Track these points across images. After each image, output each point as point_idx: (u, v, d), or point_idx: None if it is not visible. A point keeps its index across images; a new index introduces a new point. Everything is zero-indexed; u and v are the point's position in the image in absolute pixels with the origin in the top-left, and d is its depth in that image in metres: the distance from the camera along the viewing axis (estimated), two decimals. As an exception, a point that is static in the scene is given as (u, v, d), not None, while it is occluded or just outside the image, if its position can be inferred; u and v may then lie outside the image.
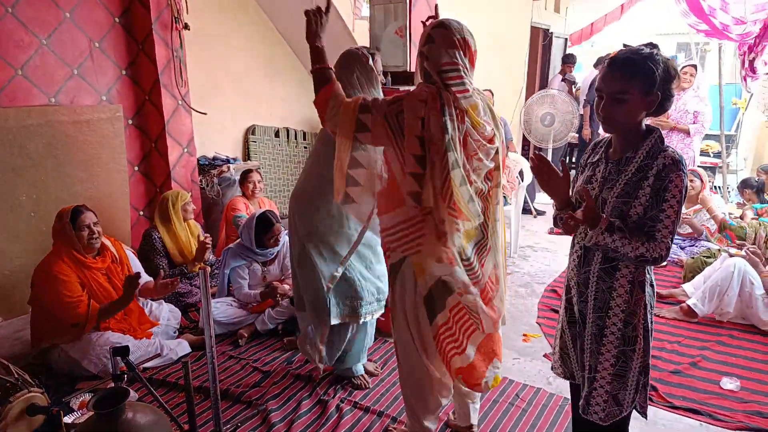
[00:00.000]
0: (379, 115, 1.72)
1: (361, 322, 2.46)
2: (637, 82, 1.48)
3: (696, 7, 4.35)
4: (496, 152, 1.85)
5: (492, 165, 1.84)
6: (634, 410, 1.67)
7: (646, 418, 1.69)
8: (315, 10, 1.84)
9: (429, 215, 1.77)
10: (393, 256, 1.90)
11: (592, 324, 1.64)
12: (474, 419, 2.25)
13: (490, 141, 1.83)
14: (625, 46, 1.56)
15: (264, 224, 3.20)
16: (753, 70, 4.75)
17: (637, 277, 1.57)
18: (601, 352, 1.62)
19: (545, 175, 1.65)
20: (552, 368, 1.92)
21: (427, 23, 1.83)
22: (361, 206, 2.00)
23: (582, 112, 6.67)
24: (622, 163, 1.56)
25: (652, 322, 1.63)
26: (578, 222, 1.55)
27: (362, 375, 2.68)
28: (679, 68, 1.55)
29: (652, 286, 1.62)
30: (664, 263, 1.55)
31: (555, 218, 1.75)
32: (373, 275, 2.47)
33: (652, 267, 1.62)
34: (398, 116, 1.72)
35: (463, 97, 1.75)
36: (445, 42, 1.72)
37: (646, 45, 1.53)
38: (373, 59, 2.24)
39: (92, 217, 2.75)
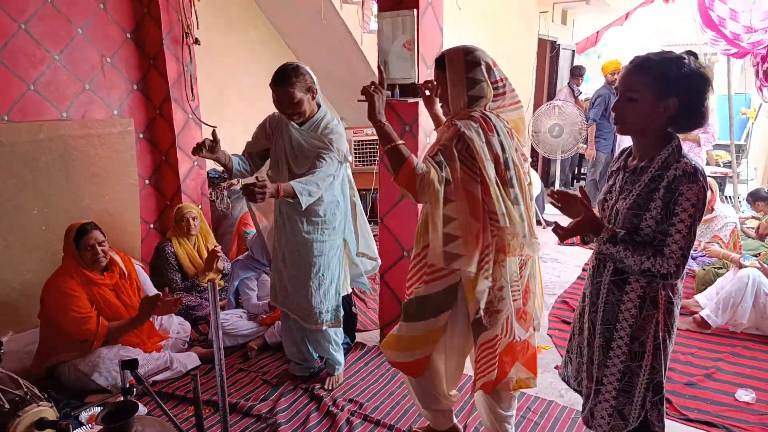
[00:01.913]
0: (452, 162, 1.75)
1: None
2: (648, 81, 1.43)
3: (707, 18, 4.34)
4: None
5: (528, 180, 1.92)
6: None
7: None
8: (372, 86, 1.86)
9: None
10: (450, 278, 1.87)
11: (599, 336, 1.62)
12: None
13: (524, 157, 1.91)
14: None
15: (81, 234, 3.18)
16: None
17: (649, 292, 1.52)
18: (607, 365, 1.60)
19: (571, 206, 1.63)
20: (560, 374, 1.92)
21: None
22: (466, 256, 1.85)
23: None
24: (637, 173, 1.52)
25: (666, 341, 1.55)
26: (568, 232, 1.53)
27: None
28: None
29: (670, 303, 1.53)
30: (676, 280, 1.48)
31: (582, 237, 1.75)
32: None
33: (678, 284, 1.55)
34: (467, 149, 1.75)
35: (514, 109, 1.88)
36: (489, 61, 1.85)
37: (684, 52, 1.46)
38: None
39: (98, 236, 2.73)
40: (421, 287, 1.92)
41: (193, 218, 3.62)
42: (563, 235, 1.56)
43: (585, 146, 6.30)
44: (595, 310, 1.63)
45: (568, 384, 1.88)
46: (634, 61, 1.50)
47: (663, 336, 1.54)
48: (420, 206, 2.10)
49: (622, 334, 1.55)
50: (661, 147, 1.48)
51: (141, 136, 3.87)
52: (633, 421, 1.59)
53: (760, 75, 4.63)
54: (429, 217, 1.83)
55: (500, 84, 1.86)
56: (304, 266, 2.54)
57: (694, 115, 1.47)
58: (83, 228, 2.72)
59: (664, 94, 1.43)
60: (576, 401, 2.54)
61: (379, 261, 2.91)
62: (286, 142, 2.48)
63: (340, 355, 2.79)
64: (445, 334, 1.95)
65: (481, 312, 1.81)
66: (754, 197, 4.59)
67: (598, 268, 1.63)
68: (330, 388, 2.73)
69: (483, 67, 1.82)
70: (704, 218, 4.43)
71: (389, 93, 2.70)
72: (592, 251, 1.69)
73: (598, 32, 6.32)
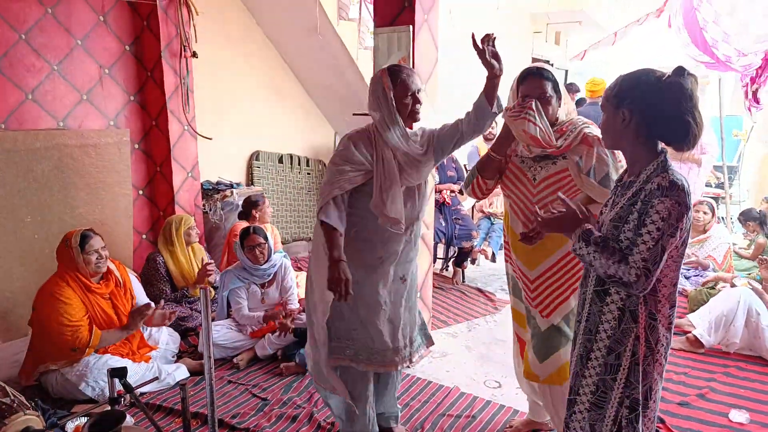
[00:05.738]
0: None
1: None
2: (607, 93, 1.52)
3: (698, 39, 4.43)
4: None
5: None
6: None
7: None
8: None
9: None
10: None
11: (580, 345, 1.63)
12: None
13: None
14: None
15: (246, 235, 3.21)
16: (757, 100, 4.80)
17: (629, 305, 1.51)
18: (584, 376, 1.60)
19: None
20: None
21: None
22: None
23: None
24: (625, 187, 1.55)
25: (648, 357, 1.52)
26: (548, 222, 1.57)
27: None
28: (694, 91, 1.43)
29: (653, 319, 1.51)
30: (641, 292, 1.46)
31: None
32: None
33: (663, 301, 1.52)
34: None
35: None
36: None
37: (675, 68, 1.46)
38: (397, 79, 2.03)
39: (100, 242, 2.77)
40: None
41: (192, 227, 3.66)
42: (544, 223, 1.60)
43: None
44: (580, 320, 1.64)
45: None
46: None
47: (644, 352, 1.52)
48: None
49: (600, 345, 1.56)
50: (647, 162, 1.50)
51: (136, 147, 3.88)
52: None
53: (749, 96, 4.72)
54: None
55: None
56: (414, 288, 2.27)
57: (666, 125, 1.44)
58: (86, 233, 2.74)
59: (618, 104, 1.49)
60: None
61: None
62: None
63: None
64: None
65: None
66: (746, 217, 4.62)
67: (585, 279, 1.65)
68: None
69: None
70: (698, 239, 4.45)
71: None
72: None
73: (585, 51, 6.54)
